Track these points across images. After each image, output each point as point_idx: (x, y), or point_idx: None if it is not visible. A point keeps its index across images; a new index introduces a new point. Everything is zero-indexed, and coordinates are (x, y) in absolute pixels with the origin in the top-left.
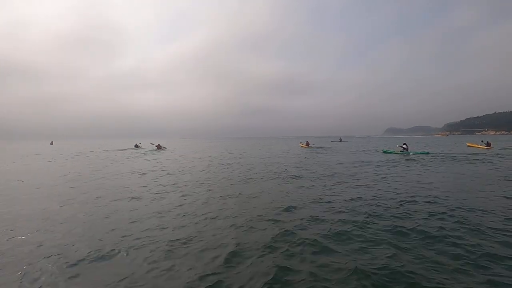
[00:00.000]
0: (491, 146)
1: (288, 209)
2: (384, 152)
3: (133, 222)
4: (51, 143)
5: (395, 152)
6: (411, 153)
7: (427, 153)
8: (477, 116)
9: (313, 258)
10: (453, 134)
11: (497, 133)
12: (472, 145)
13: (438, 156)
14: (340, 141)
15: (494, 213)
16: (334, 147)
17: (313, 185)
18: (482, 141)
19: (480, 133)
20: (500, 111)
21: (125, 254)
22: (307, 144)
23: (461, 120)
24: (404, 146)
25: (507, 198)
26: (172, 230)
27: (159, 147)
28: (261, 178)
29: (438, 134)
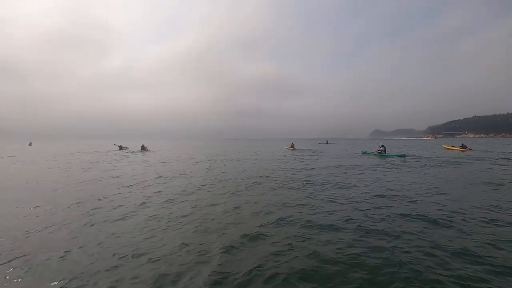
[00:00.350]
0: (466, 148)
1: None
2: (363, 153)
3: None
4: (30, 144)
5: (373, 153)
6: (388, 154)
7: (403, 155)
8: (457, 119)
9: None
10: (435, 137)
11: (476, 136)
12: (448, 147)
13: (414, 158)
14: (327, 143)
15: (450, 210)
16: (320, 149)
17: (282, 193)
18: (453, 145)
19: (460, 136)
20: (479, 115)
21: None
22: (292, 146)
23: (443, 123)
24: (381, 148)
25: (456, 198)
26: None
27: (143, 148)
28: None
29: (427, 137)
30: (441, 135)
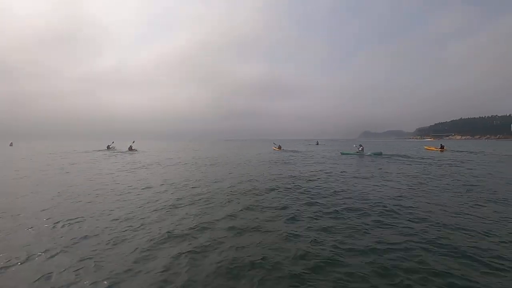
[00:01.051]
0: (444, 149)
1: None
2: (342, 153)
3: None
4: (11, 144)
5: (352, 153)
6: (367, 153)
7: (380, 153)
8: (445, 121)
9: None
10: (423, 139)
11: (463, 137)
12: (428, 148)
13: (393, 157)
14: (317, 144)
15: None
16: (308, 150)
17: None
18: (426, 146)
19: (447, 138)
20: (465, 117)
21: None
22: (279, 147)
23: (430, 125)
24: (360, 148)
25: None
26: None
27: (130, 148)
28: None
29: (415, 138)
30: (429, 137)
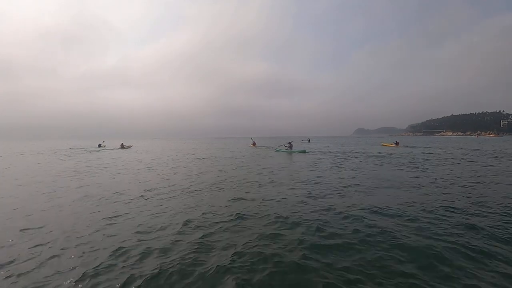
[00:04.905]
0: (398, 144)
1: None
2: (276, 150)
3: None
4: None
5: (283, 150)
6: (293, 151)
7: (304, 151)
8: (436, 118)
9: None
10: (415, 135)
11: (454, 134)
12: (385, 144)
13: (334, 154)
14: (309, 141)
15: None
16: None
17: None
18: (391, 143)
19: (439, 134)
20: (456, 114)
21: None
22: (254, 144)
23: (422, 122)
24: (287, 145)
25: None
26: None
27: (122, 146)
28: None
29: (420, 134)
30: (421, 133)
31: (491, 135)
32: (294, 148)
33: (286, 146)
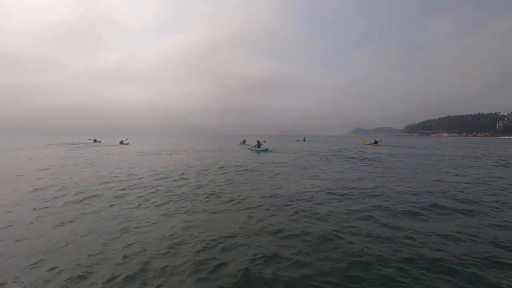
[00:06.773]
0: (377, 143)
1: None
2: (249, 148)
3: None
4: None
5: (254, 149)
6: (260, 149)
7: (266, 149)
8: (433, 119)
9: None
10: (412, 135)
11: (450, 135)
12: (364, 142)
13: (309, 152)
14: (304, 140)
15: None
16: (285, 147)
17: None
18: (370, 141)
19: (435, 135)
20: (453, 115)
21: None
22: (244, 142)
23: (419, 122)
24: (255, 144)
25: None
26: None
27: (121, 142)
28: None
29: (417, 135)
30: (418, 134)
31: (486, 136)
32: (265, 147)
33: (255, 145)
